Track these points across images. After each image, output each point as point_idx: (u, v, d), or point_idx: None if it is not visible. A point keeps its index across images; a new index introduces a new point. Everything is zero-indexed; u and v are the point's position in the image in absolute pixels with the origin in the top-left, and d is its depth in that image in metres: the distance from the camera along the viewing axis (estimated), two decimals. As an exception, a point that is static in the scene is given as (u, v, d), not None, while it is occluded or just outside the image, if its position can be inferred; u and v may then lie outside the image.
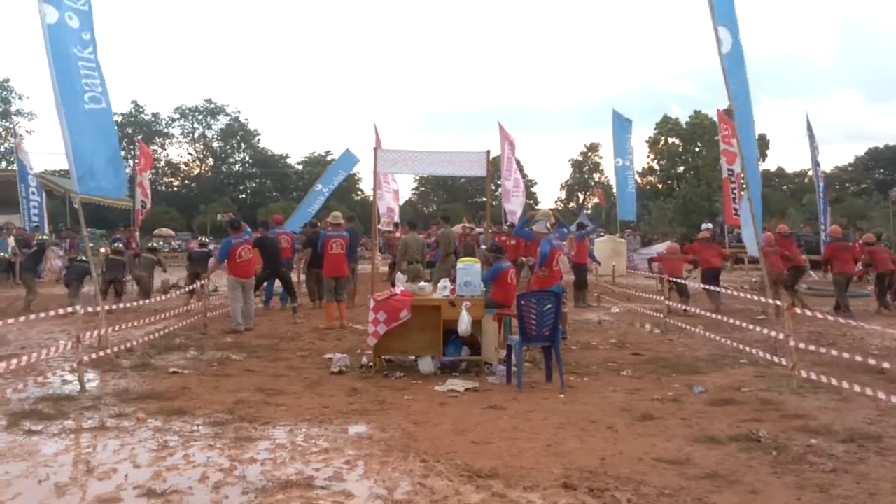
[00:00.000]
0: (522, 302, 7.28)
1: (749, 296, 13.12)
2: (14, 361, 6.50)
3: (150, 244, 17.93)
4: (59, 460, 4.76)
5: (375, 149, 12.35)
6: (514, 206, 20.50)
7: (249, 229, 11.93)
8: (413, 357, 7.99)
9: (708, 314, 10.10)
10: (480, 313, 7.81)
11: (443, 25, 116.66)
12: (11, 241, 20.82)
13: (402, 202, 35.55)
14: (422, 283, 9.05)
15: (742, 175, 10.14)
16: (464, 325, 7.53)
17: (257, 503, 4.02)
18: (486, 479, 4.40)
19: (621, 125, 23.84)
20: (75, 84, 8.58)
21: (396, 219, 23.13)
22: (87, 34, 8.83)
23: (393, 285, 9.33)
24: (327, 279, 11.59)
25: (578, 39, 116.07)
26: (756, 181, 8.62)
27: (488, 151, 11.39)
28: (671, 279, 12.78)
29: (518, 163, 21.74)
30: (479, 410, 6.18)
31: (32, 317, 7.09)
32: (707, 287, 13.21)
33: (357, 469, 4.62)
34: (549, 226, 9.51)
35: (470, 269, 8.15)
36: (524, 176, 25.41)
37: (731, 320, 9.52)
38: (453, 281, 8.37)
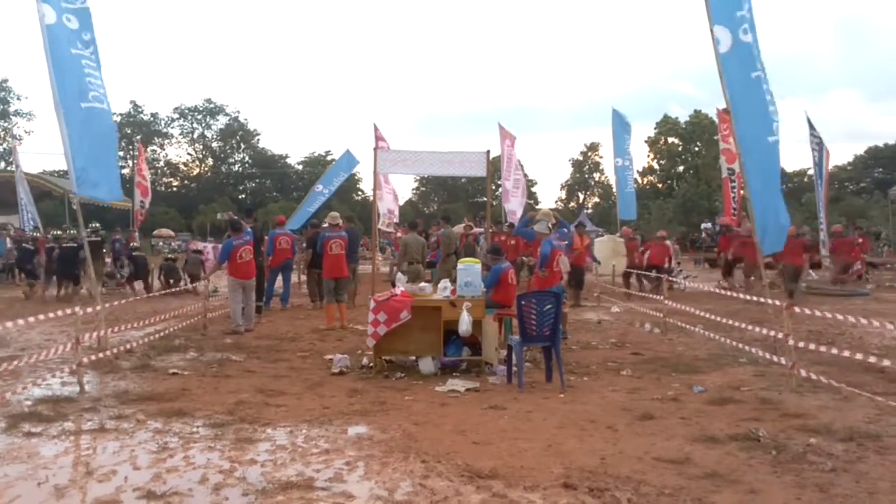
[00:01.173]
0: (522, 302, 7.28)
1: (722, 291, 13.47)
2: (14, 363, 6.51)
3: (195, 248, 19.55)
4: (58, 462, 4.75)
5: (375, 149, 12.34)
6: (513, 206, 20.51)
7: (250, 229, 11.92)
8: (414, 357, 7.99)
9: (707, 315, 10.08)
10: (481, 313, 7.81)
11: (442, 26, 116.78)
12: (9, 241, 20.82)
13: (402, 202, 35.42)
14: (422, 284, 9.05)
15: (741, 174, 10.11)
16: (464, 325, 7.53)
17: (257, 504, 4.02)
18: (487, 479, 4.41)
19: (621, 126, 23.82)
20: (75, 85, 8.57)
21: (396, 220, 23.09)
22: (88, 34, 8.82)
23: (393, 285, 9.33)
24: (327, 280, 11.58)
25: (578, 39, 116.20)
26: (755, 177, 8.57)
27: (488, 151, 11.38)
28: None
29: (519, 163, 21.70)
30: (480, 411, 6.18)
31: (31, 319, 7.08)
32: (647, 274, 15.64)
33: (357, 470, 4.62)
34: (550, 226, 9.51)
35: (470, 269, 8.15)
36: (525, 175, 25.37)
37: (730, 321, 9.52)
38: (454, 281, 8.37)
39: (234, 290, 11.02)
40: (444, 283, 8.35)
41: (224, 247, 11.37)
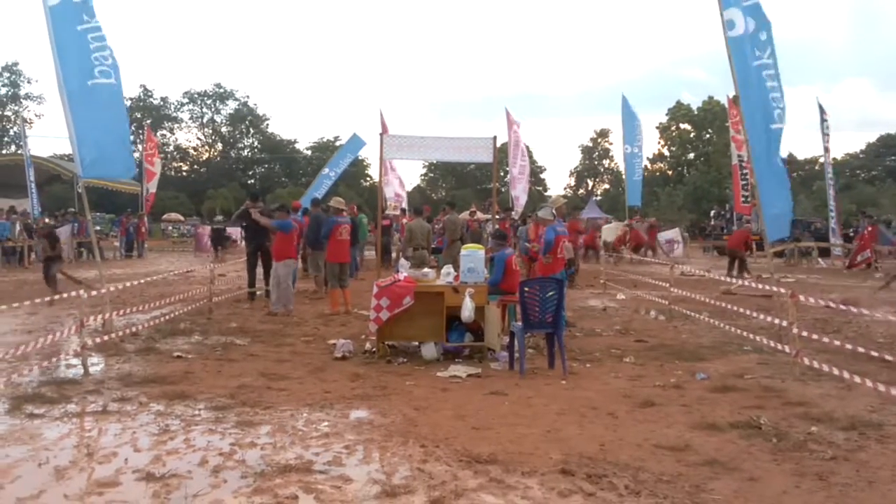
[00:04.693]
0: (525, 289, 7.27)
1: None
2: (20, 346, 6.55)
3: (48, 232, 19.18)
4: (60, 444, 4.79)
5: (381, 134, 12.30)
6: (518, 193, 20.47)
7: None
8: (416, 343, 7.99)
9: (712, 301, 10.04)
10: (483, 300, 7.80)
11: (451, 11, 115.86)
12: (18, 225, 20.95)
13: (410, 188, 35.40)
14: (425, 270, 9.04)
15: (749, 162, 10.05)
16: (467, 311, 7.51)
17: (255, 487, 4.03)
18: (485, 464, 4.41)
19: (630, 114, 23.69)
20: (81, 62, 8.51)
21: (404, 204, 23.07)
22: (90, 5, 8.77)
23: (397, 271, 9.33)
24: (331, 265, 11.61)
25: (588, 24, 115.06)
26: (763, 167, 8.51)
27: (495, 137, 11.32)
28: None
29: (526, 148, 21.62)
30: (481, 396, 6.19)
31: (38, 300, 7.11)
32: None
33: (356, 454, 4.64)
34: (554, 212, 9.48)
35: (474, 255, 8.13)
36: (533, 162, 25.38)
37: (736, 307, 9.47)
38: (458, 267, 8.35)
39: (290, 274, 11.48)
40: (447, 268, 8.34)
41: (287, 224, 11.75)
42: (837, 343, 6.96)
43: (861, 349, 6.65)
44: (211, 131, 70.50)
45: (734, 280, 12.46)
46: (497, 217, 14.17)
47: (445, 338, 7.81)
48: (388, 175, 21.14)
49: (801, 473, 4.28)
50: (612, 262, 20.06)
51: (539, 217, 9.53)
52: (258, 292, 12.92)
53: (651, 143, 63.39)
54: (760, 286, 12.54)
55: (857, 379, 6.04)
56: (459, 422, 5.39)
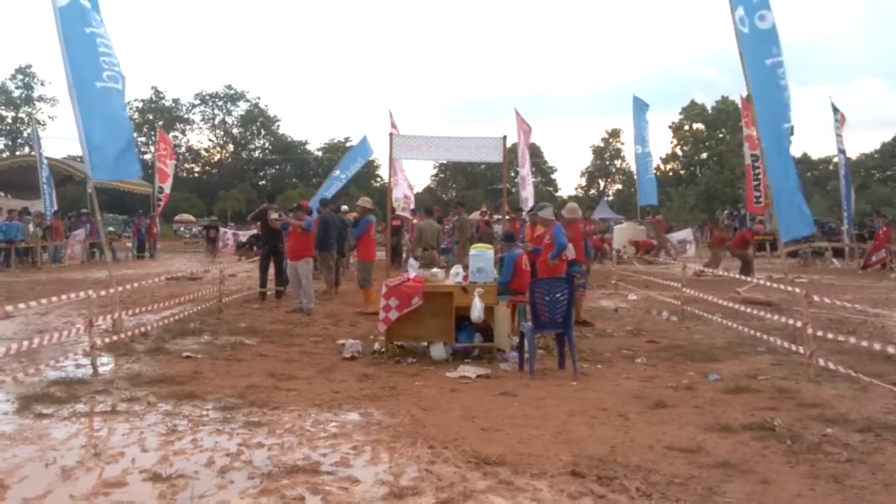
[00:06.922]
0: (535, 289, 7.21)
1: None
2: (30, 344, 6.54)
3: None
4: (67, 444, 4.77)
5: (391, 134, 12.31)
6: (527, 194, 20.44)
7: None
8: (425, 343, 7.95)
9: (726, 303, 9.94)
10: (493, 300, 7.75)
11: (461, 12, 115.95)
12: (31, 226, 21.08)
13: (420, 189, 35.41)
14: (434, 270, 8.99)
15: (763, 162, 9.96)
16: (476, 311, 7.46)
17: (262, 488, 3.99)
18: (494, 465, 4.36)
19: (640, 111, 23.60)
20: (90, 64, 8.57)
21: (412, 206, 23.06)
22: (98, 15, 8.83)
23: (406, 271, 9.29)
24: (368, 263, 11.61)
25: (600, 24, 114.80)
26: (776, 167, 8.43)
27: (504, 137, 11.29)
28: None
29: (535, 147, 21.62)
30: (490, 397, 6.14)
31: (44, 300, 7.12)
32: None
33: (364, 455, 4.59)
34: (555, 213, 9.42)
35: (483, 255, 8.08)
36: (544, 162, 25.30)
37: (749, 308, 9.37)
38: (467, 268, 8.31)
39: (311, 271, 11.58)
40: (457, 268, 8.30)
41: (311, 224, 11.92)
42: (853, 341, 6.84)
43: (880, 346, 6.54)
44: (222, 132, 70.89)
45: (746, 279, 12.34)
46: (507, 217, 14.13)
47: (454, 338, 7.77)
48: (397, 176, 21.15)
49: (815, 476, 4.21)
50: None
51: (540, 217, 9.41)
52: (268, 292, 12.93)
53: (664, 143, 63.28)
54: (766, 286, 12.39)
55: (874, 379, 5.95)
56: (468, 423, 5.34)
